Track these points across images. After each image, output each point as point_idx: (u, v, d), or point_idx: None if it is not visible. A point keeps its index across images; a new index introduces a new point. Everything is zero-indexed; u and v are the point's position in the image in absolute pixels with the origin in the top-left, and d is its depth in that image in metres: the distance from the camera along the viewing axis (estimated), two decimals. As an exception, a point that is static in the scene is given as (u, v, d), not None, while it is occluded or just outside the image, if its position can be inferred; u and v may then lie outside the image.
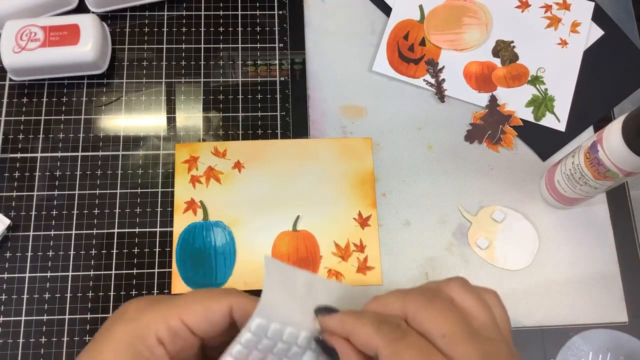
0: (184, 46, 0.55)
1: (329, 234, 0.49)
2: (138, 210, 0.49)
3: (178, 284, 0.47)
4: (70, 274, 0.47)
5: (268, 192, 0.50)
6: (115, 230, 0.49)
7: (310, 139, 0.52)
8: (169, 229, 0.49)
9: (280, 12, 0.57)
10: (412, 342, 0.28)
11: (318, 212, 0.50)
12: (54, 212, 0.49)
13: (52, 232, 0.48)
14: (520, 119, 0.54)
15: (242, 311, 0.31)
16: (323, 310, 0.33)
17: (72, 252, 0.48)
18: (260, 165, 0.51)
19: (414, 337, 0.29)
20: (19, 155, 0.51)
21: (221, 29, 0.56)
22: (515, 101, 0.54)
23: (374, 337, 0.29)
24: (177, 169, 0.51)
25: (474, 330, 0.29)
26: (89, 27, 0.50)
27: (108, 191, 0.50)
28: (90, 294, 0.47)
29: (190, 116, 0.53)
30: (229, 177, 0.51)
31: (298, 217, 0.50)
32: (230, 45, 0.55)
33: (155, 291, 0.47)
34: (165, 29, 0.55)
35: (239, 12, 0.56)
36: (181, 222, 0.49)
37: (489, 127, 0.53)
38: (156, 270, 0.48)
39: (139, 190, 0.50)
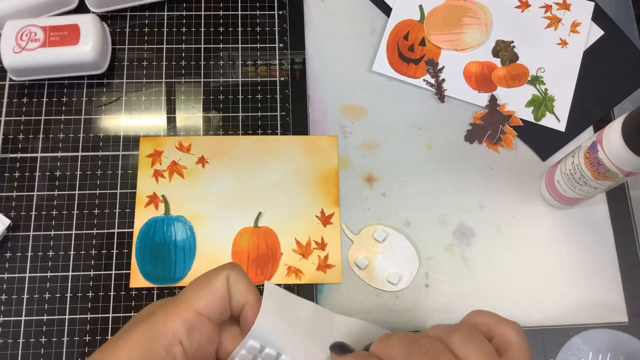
0: (184, 46, 0.55)
1: (290, 231, 0.49)
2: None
3: (136, 278, 0.47)
4: (70, 274, 0.47)
5: (231, 188, 0.50)
6: (115, 230, 0.49)
7: (275, 136, 0.52)
8: (169, 229, 0.49)
9: (280, 12, 0.57)
10: None
11: (280, 209, 0.50)
12: (54, 212, 0.49)
13: (52, 232, 0.48)
14: (520, 119, 0.54)
15: (236, 285, 0.32)
16: (337, 349, 0.32)
17: (72, 252, 0.48)
18: (224, 161, 0.51)
19: None
20: (19, 155, 0.51)
21: (221, 29, 0.56)
22: (515, 101, 0.54)
23: None
24: (140, 162, 0.50)
25: None
26: (89, 27, 0.50)
27: (108, 191, 0.50)
28: (90, 294, 0.47)
29: (190, 116, 0.53)
30: (192, 172, 0.50)
31: (260, 213, 0.49)
32: (230, 45, 0.55)
33: (155, 291, 0.47)
34: (165, 29, 0.55)
35: (239, 12, 0.56)
36: (142, 216, 0.49)
37: (489, 127, 0.53)
38: (156, 270, 0.48)
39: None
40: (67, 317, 0.46)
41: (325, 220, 0.50)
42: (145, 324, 0.30)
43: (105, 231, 0.49)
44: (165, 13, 0.56)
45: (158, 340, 0.29)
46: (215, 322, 0.31)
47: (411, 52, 0.55)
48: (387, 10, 0.57)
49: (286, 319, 0.32)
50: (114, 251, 0.48)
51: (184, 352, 0.30)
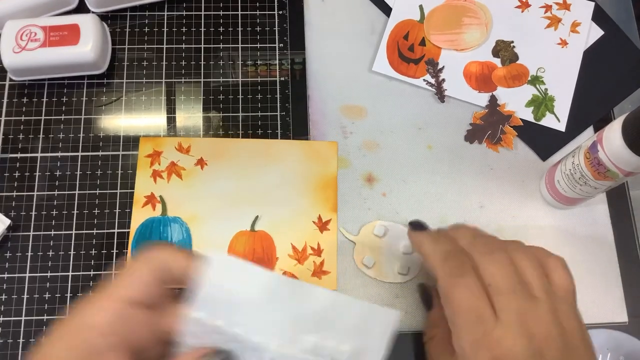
0: (184, 46, 0.55)
1: (286, 236, 0.49)
2: (138, 210, 0.49)
3: None
4: (70, 274, 0.47)
5: (229, 191, 0.50)
6: (115, 231, 0.49)
7: (275, 140, 0.52)
8: (169, 229, 0.49)
9: (280, 12, 0.57)
10: (467, 282, 0.34)
11: (277, 214, 0.49)
12: (54, 212, 0.49)
13: (52, 232, 0.48)
14: (520, 119, 0.54)
15: (174, 262, 0.32)
16: (414, 225, 0.42)
17: (72, 252, 0.48)
18: (223, 163, 0.51)
19: (470, 279, 0.34)
20: (19, 155, 0.51)
21: (221, 29, 0.56)
22: (515, 101, 0.54)
23: (439, 266, 0.36)
24: (139, 162, 0.50)
25: (519, 287, 0.33)
26: (89, 27, 0.50)
27: (108, 191, 0.50)
28: (90, 294, 0.47)
29: (190, 116, 0.53)
30: (191, 173, 0.50)
31: (257, 217, 0.49)
32: (230, 45, 0.55)
33: (155, 291, 0.47)
34: (165, 29, 0.55)
35: (239, 12, 0.56)
36: (139, 216, 0.49)
37: (489, 127, 0.53)
38: (156, 270, 0.48)
39: (139, 190, 0.50)
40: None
41: (322, 226, 0.49)
42: (76, 318, 0.31)
43: (105, 231, 0.49)
44: (165, 13, 0.56)
45: (91, 333, 0.30)
46: (151, 306, 0.31)
47: (411, 52, 0.55)
48: (387, 10, 0.57)
49: (237, 290, 0.31)
50: (114, 251, 0.48)
51: (120, 340, 0.30)
